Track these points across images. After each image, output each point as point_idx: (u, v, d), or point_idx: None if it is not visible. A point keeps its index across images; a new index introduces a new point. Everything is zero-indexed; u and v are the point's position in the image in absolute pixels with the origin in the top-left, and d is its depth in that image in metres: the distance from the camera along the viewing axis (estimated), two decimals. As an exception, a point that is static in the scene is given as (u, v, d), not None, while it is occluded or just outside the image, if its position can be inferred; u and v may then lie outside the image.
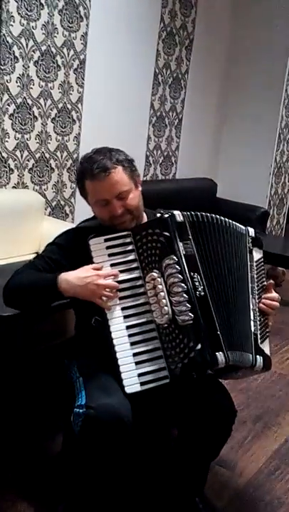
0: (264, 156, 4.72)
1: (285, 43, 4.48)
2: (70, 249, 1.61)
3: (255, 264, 1.65)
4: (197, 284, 1.47)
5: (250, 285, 1.61)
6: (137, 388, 1.47)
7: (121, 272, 1.53)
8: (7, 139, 2.97)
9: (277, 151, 4.76)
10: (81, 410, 1.44)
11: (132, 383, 1.47)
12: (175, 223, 1.51)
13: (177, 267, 1.46)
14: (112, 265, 1.53)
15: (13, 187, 3.09)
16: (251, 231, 1.68)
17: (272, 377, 2.76)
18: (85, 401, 1.46)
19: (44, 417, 2.07)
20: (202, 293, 1.47)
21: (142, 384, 1.47)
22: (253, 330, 1.57)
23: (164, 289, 1.47)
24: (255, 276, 1.64)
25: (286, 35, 4.46)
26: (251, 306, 1.59)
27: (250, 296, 1.60)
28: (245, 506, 1.82)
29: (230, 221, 1.62)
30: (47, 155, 3.25)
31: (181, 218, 1.53)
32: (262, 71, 4.58)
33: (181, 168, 4.50)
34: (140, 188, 1.64)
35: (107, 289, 1.48)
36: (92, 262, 1.53)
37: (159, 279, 1.48)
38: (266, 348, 1.61)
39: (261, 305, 1.63)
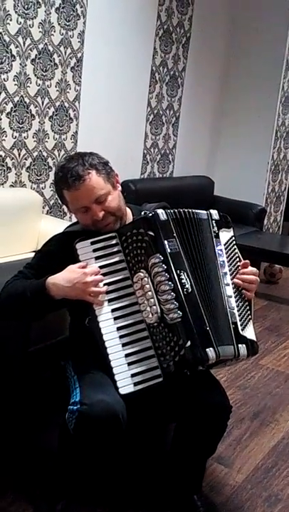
0: (261, 153, 4.72)
1: (282, 40, 4.48)
2: (58, 254, 1.62)
3: (224, 246, 1.63)
4: (184, 281, 1.48)
5: (220, 272, 1.58)
6: (131, 389, 1.48)
7: (109, 273, 1.54)
8: (4, 138, 2.97)
9: (274, 149, 4.77)
10: (75, 407, 1.45)
11: (125, 384, 1.48)
12: (159, 222, 1.52)
13: (163, 265, 1.47)
14: (99, 267, 1.54)
15: (11, 186, 3.09)
16: (214, 213, 1.66)
17: (269, 374, 2.77)
18: (80, 398, 1.47)
19: (42, 416, 2.07)
20: (189, 290, 1.48)
21: (135, 384, 1.48)
22: (231, 319, 1.54)
23: (152, 288, 1.48)
24: (226, 260, 1.61)
25: (283, 30, 4.47)
26: (227, 293, 1.57)
27: (224, 283, 1.58)
28: (243, 503, 1.83)
29: (195, 210, 1.61)
30: (44, 153, 3.25)
31: (165, 217, 1.53)
32: (259, 68, 4.58)
33: (179, 166, 4.51)
34: (119, 188, 1.65)
35: (95, 285, 1.49)
36: None
37: (146, 279, 1.49)
38: (249, 332, 1.57)
39: (236, 280, 1.60)
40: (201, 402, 1.56)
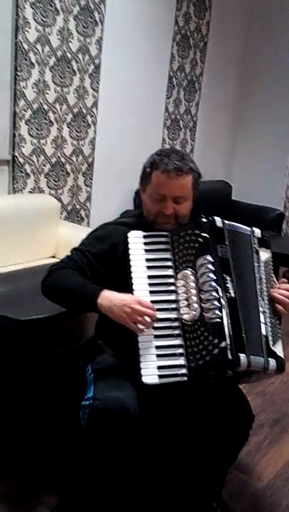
0: (279, 157, 4.69)
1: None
2: (108, 241, 1.65)
3: (263, 264, 1.65)
4: (228, 285, 1.50)
5: (258, 286, 1.60)
6: (155, 380, 1.45)
7: (154, 267, 1.57)
8: (23, 145, 3.00)
9: (293, 153, 4.73)
10: (88, 402, 1.46)
11: (150, 373, 1.45)
12: (215, 227, 1.56)
13: (211, 266, 1.49)
14: (146, 260, 1.57)
15: (30, 192, 3.11)
16: (257, 232, 1.69)
17: (289, 381, 2.74)
18: (93, 394, 1.48)
19: (60, 418, 2.08)
20: (232, 295, 1.50)
21: (160, 377, 1.46)
22: (263, 333, 1.55)
23: (196, 286, 1.50)
24: (264, 277, 1.64)
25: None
26: (261, 308, 1.59)
27: (260, 297, 1.59)
28: (262, 511, 1.81)
29: (238, 225, 1.65)
30: (62, 159, 3.27)
31: (221, 224, 1.58)
32: (277, 72, 4.56)
33: (196, 170, 4.49)
34: (191, 203, 1.68)
35: (143, 316, 1.47)
36: (128, 254, 1.56)
37: (191, 277, 1.51)
38: (279, 349, 1.59)
39: (275, 294, 1.61)
40: (224, 410, 1.55)
